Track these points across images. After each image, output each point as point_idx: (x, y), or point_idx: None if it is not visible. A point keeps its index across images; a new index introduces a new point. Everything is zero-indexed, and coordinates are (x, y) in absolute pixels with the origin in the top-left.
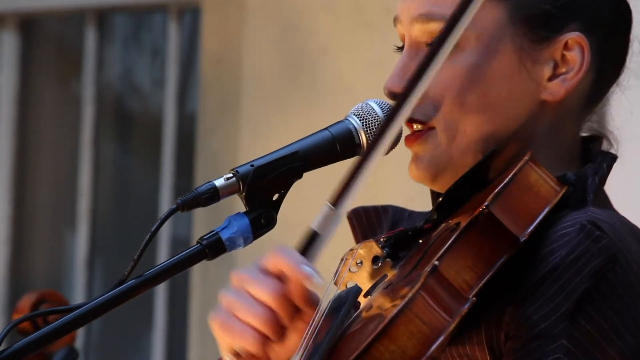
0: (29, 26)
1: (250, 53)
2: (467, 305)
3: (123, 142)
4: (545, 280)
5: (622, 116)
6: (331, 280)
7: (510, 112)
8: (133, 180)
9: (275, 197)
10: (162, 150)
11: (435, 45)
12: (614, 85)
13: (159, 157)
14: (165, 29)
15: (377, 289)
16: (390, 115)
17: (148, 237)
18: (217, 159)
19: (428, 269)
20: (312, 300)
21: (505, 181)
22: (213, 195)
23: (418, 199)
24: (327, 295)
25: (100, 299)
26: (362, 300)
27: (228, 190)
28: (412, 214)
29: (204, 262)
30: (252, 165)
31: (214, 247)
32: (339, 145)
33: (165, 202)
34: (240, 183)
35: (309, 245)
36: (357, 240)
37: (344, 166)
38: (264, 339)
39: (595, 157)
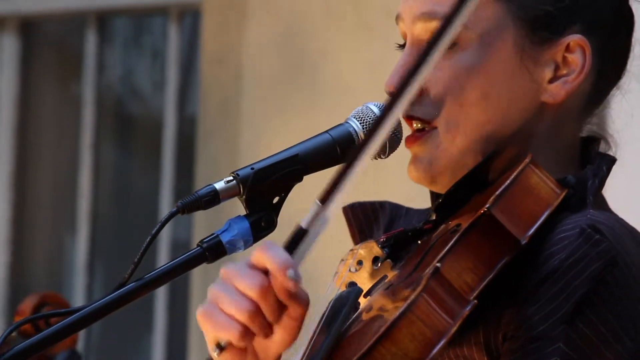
0: (29, 29)
1: (250, 55)
2: (468, 308)
3: (123, 144)
4: (544, 283)
5: (622, 119)
6: (331, 280)
7: (511, 113)
8: (133, 183)
9: (276, 200)
10: (162, 152)
11: (431, 42)
12: (615, 88)
13: (159, 159)
14: (166, 31)
15: (377, 290)
16: (384, 112)
17: (148, 239)
18: (217, 162)
19: (430, 271)
20: (297, 296)
21: (506, 183)
22: (213, 198)
23: (418, 199)
24: (327, 295)
25: (100, 301)
26: (362, 301)
27: (228, 193)
28: (409, 210)
29: (204, 265)
30: (252, 168)
31: (214, 250)
32: (339, 148)
33: (166, 205)
34: (241, 186)
35: (296, 241)
36: (353, 234)
37: None
38: (247, 332)
39: (594, 159)
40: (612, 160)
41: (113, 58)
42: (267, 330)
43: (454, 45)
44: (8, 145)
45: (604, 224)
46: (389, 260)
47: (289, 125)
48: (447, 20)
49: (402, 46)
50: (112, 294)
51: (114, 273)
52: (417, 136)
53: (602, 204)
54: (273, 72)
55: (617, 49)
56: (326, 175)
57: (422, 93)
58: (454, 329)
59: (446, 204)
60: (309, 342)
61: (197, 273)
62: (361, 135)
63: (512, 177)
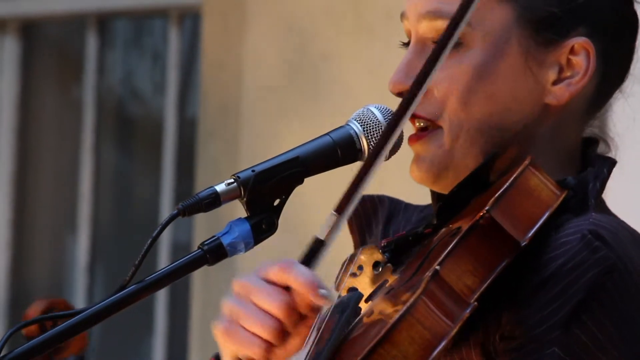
0: (30, 31)
1: (251, 58)
2: (468, 310)
3: (124, 146)
4: (543, 286)
5: (624, 122)
6: (332, 286)
7: (514, 114)
8: (134, 185)
9: (277, 202)
10: (162, 154)
11: (439, 44)
12: (617, 91)
13: (159, 161)
14: (166, 34)
15: (378, 294)
16: (397, 115)
17: (149, 242)
18: (217, 164)
19: (429, 273)
20: (317, 308)
21: (505, 185)
22: (214, 201)
23: (418, 201)
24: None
25: (101, 304)
26: (363, 306)
27: (229, 195)
28: (408, 206)
29: (204, 267)
30: (253, 171)
31: (215, 253)
32: (340, 151)
33: (166, 207)
34: (242, 188)
35: (314, 254)
36: (351, 229)
37: (345, 171)
38: (270, 347)
39: (594, 161)
40: (613, 163)
41: (113, 60)
42: (286, 342)
43: (459, 45)
44: (9, 147)
45: (606, 228)
46: (389, 265)
47: (290, 128)
48: (458, 18)
49: (406, 44)
50: (113, 297)
51: (115, 275)
52: (420, 135)
53: (603, 207)
54: (273, 74)
55: (621, 52)
56: (327, 176)
57: (426, 92)
58: (454, 331)
59: (447, 207)
60: (310, 348)
61: (198, 275)
62: (362, 137)
63: (512, 179)
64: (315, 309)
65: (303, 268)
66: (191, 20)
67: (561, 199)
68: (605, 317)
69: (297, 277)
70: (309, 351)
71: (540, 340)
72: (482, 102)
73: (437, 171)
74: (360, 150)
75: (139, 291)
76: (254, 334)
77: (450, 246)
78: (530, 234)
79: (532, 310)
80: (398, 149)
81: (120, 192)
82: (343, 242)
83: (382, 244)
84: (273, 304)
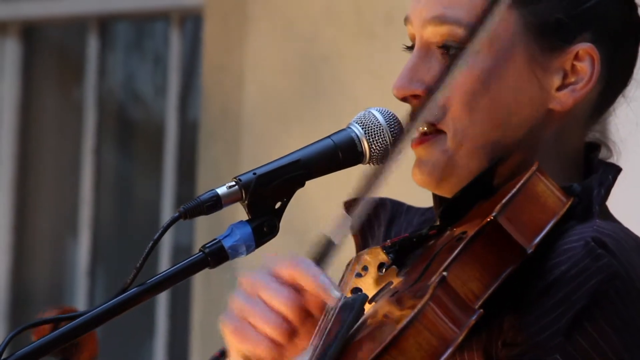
0: (31, 33)
1: (252, 60)
2: (474, 317)
3: (125, 149)
4: (546, 293)
5: (627, 127)
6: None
7: (518, 119)
8: (135, 188)
9: (278, 205)
10: (163, 157)
11: (457, 54)
12: (620, 95)
13: (160, 164)
14: (167, 36)
15: (383, 296)
16: (409, 122)
17: (150, 245)
18: (218, 167)
19: (436, 279)
20: (325, 307)
21: (513, 191)
22: (216, 204)
23: (420, 203)
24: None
25: (102, 307)
26: (367, 307)
27: (230, 198)
28: (409, 208)
29: (206, 270)
30: (254, 174)
31: (216, 255)
32: (341, 154)
33: (167, 210)
34: (243, 191)
35: (325, 254)
36: (353, 231)
37: (347, 174)
38: (278, 347)
39: (598, 167)
40: (618, 170)
41: (114, 63)
42: (294, 341)
43: (464, 50)
44: (10, 150)
45: (610, 236)
46: (394, 266)
47: (291, 130)
48: (474, 30)
49: (409, 48)
50: (114, 299)
51: (116, 278)
52: (423, 139)
53: (607, 214)
54: (274, 77)
55: (625, 58)
56: (328, 179)
57: None
58: (461, 338)
59: (450, 209)
60: (315, 349)
61: (199, 278)
62: (363, 140)
63: (519, 185)
64: (324, 309)
65: (315, 268)
66: (192, 23)
67: (567, 206)
68: (607, 324)
69: (310, 278)
70: (314, 352)
71: (542, 347)
72: (486, 107)
73: (440, 175)
74: (362, 153)
75: (140, 294)
76: (262, 332)
77: (457, 251)
78: (536, 241)
79: (534, 317)
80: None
81: (121, 194)
82: (343, 243)
83: (386, 245)
84: (282, 303)
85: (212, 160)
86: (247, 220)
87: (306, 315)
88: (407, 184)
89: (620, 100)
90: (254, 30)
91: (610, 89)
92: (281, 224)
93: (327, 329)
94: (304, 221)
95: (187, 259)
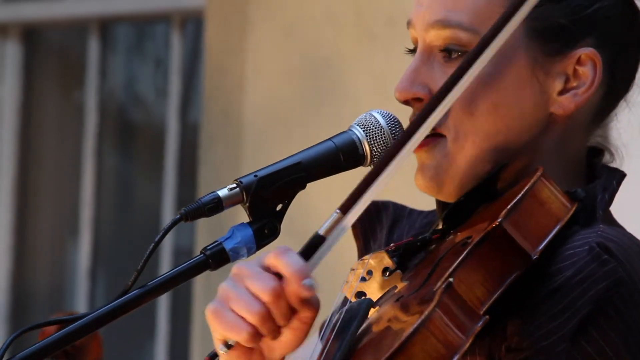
0: (32, 36)
1: (253, 63)
2: (480, 323)
3: (126, 151)
4: (550, 298)
5: (629, 132)
6: (341, 290)
7: (520, 123)
8: (136, 190)
9: (279, 207)
10: (164, 160)
11: (469, 61)
12: (622, 100)
13: (161, 166)
14: (168, 38)
15: (387, 301)
16: (414, 125)
17: (152, 247)
18: (220, 169)
19: (443, 285)
20: (309, 302)
21: (518, 197)
22: (217, 206)
23: (422, 207)
24: (336, 304)
25: (103, 309)
26: (371, 311)
27: (232, 200)
28: (412, 212)
29: (206, 273)
30: (255, 176)
31: (217, 258)
32: (342, 156)
33: (168, 212)
34: (244, 193)
35: (312, 248)
36: (355, 234)
37: (348, 176)
38: (257, 334)
39: (601, 172)
40: (623, 176)
41: (115, 65)
42: (276, 332)
43: (465, 54)
44: (11, 152)
45: (614, 241)
46: (399, 271)
47: (292, 133)
48: (489, 39)
49: (412, 51)
50: (115, 301)
51: (117, 280)
52: (423, 142)
53: (611, 219)
54: (275, 80)
55: (627, 63)
56: (329, 181)
57: None
58: (467, 344)
59: (454, 213)
60: (321, 354)
61: (200, 280)
62: (364, 143)
63: (524, 190)
64: (306, 303)
65: (295, 256)
66: (193, 25)
67: (572, 212)
68: (612, 330)
69: (287, 264)
70: (319, 358)
71: (548, 353)
72: (488, 112)
73: (442, 180)
74: (363, 156)
75: (141, 296)
76: (241, 317)
77: (462, 256)
78: (541, 247)
79: (539, 322)
80: None
81: (122, 197)
82: (344, 245)
83: (390, 249)
84: (261, 288)
85: (213, 162)
86: (248, 223)
87: (286, 305)
88: (410, 188)
89: (622, 105)
90: (255, 32)
91: (612, 93)
92: (282, 226)
93: (332, 336)
94: (305, 223)
95: (188, 261)
